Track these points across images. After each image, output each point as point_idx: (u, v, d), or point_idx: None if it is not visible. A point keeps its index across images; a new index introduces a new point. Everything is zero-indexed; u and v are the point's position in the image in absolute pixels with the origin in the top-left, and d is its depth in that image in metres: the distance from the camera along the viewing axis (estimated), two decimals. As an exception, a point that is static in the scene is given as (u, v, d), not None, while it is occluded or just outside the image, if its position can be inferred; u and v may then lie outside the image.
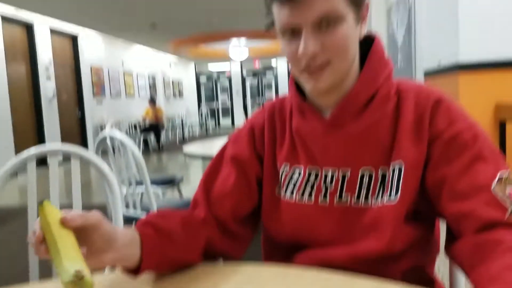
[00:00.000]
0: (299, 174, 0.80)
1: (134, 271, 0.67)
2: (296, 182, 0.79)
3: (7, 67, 6.69)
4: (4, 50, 6.65)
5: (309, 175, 0.78)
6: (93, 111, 9.25)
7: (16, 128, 6.85)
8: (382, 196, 0.73)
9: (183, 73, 16.67)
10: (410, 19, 4.34)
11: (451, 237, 0.69)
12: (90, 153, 1.23)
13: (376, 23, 5.84)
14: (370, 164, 0.74)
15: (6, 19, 6.73)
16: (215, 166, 0.87)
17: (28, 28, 7.34)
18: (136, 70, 11.91)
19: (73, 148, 1.22)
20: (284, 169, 0.82)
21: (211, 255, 0.79)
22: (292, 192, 0.79)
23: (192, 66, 17.80)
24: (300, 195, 0.78)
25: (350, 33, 0.71)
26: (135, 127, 9.08)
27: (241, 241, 0.84)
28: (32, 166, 1.16)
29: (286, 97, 0.90)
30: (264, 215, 0.84)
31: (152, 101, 9.70)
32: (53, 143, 1.23)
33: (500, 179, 0.64)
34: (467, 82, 2.80)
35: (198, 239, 0.77)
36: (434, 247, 0.81)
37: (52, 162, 1.19)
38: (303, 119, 0.80)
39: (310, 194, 0.78)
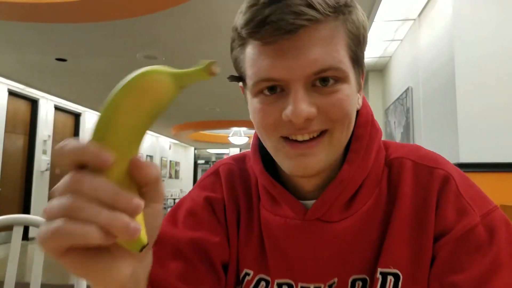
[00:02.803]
0: (266, 287, 0.60)
1: None
2: None
3: (4, 138, 6.70)
4: (6, 122, 6.71)
5: None
6: (86, 187, 9.16)
7: (3, 196, 6.66)
8: None
9: (182, 155, 16.78)
10: (408, 120, 4.41)
11: None
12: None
13: (374, 120, 5.97)
14: (362, 272, 0.57)
15: (13, 94, 6.88)
16: (160, 260, 0.59)
17: (33, 103, 7.48)
18: (135, 149, 12.00)
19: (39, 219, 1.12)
20: (245, 277, 0.62)
21: None
22: None
23: (191, 149, 17.99)
24: None
25: (353, 98, 0.53)
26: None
27: None
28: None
29: (246, 158, 0.68)
30: None
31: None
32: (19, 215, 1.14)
33: None
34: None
35: None
36: None
37: (16, 231, 1.11)
38: (274, 208, 0.60)
39: None
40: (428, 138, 3.70)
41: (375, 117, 0.62)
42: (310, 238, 0.57)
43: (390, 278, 0.55)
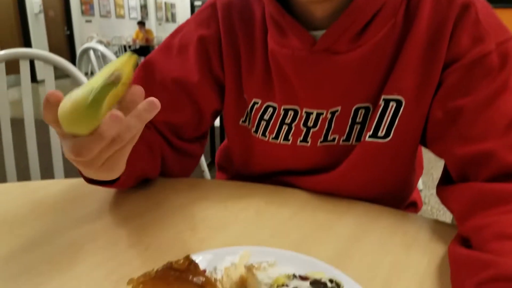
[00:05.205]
0: (273, 113, 0.63)
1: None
2: (269, 122, 0.63)
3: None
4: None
5: (285, 115, 0.62)
6: (82, 29, 8.92)
7: (2, 43, 6.59)
8: (376, 134, 0.58)
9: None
10: None
11: (449, 178, 0.55)
12: (63, 60, 1.16)
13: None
14: (366, 100, 0.58)
15: None
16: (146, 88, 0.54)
17: None
18: (127, -11, 11.30)
19: (44, 53, 1.16)
20: (254, 105, 0.64)
21: (162, 171, 0.68)
22: (264, 133, 0.65)
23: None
24: (273, 136, 0.64)
25: None
26: (125, 48, 8.79)
27: (190, 157, 0.72)
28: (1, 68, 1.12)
29: None
30: (230, 141, 0.72)
31: (141, 23, 9.33)
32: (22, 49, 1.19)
33: None
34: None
35: (157, 154, 0.64)
36: (417, 168, 0.71)
37: (24, 65, 1.15)
38: (282, 39, 0.58)
39: (286, 136, 0.63)
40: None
41: None
42: (317, 68, 0.57)
43: (392, 104, 0.56)
